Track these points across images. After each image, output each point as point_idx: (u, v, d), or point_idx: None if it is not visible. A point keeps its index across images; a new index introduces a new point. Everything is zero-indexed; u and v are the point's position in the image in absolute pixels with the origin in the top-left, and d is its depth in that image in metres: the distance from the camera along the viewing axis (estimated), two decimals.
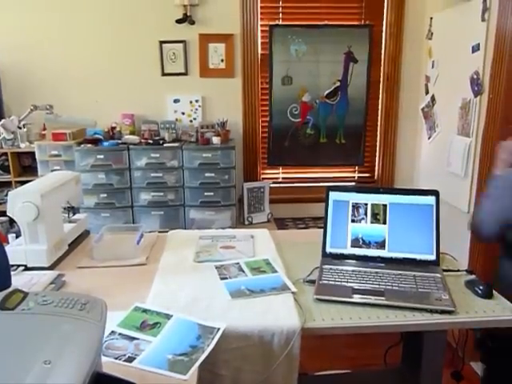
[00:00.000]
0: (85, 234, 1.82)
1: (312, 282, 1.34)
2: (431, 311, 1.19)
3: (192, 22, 3.03)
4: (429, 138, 3.04)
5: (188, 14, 3.02)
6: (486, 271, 2.16)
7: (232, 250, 1.60)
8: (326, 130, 3.25)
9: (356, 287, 1.29)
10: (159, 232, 1.86)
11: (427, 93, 3.06)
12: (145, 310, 1.18)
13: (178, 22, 3.03)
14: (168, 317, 1.15)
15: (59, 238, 1.57)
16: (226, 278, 1.38)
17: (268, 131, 3.25)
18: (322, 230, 1.50)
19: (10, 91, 3.06)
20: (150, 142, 2.92)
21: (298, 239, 1.75)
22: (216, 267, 1.46)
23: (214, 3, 3.05)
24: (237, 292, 1.28)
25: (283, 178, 3.42)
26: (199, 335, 1.08)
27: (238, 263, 1.48)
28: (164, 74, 3.12)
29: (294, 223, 3.17)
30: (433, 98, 2.98)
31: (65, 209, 1.77)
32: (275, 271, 1.42)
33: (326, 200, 1.51)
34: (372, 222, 1.47)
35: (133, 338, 1.07)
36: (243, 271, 1.42)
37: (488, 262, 2.32)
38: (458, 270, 1.45)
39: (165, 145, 2.86)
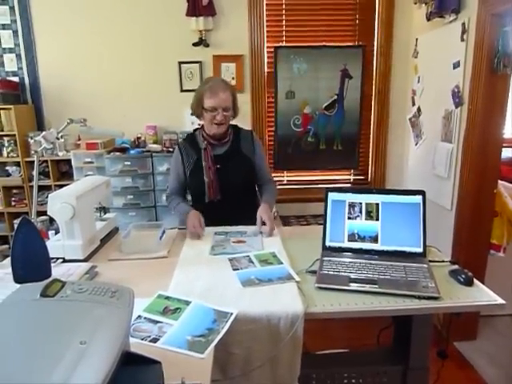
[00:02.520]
0: (114, 231, 1.83)
1: (313, 272, 1.34)
2: (419, 297, 1.18)
3: (207, 45, 3.04)
4: (416, 145, 3.02)
5: (203, 37, 3.03)
6: (467, 262, 2.13)
7: (243, 244, 1.60)
8: (324, 138, 3.24)
9: (352, 276, 1.28)
10: (179, 229, 1.86)
11: (414, 104, 3.04)
12: (167, 297, 1.18)
13: (195, 45, 3.04)
14: (187, 303, 1.15)
15: (92, 234, 1.58)
16: (238, 269, 1.38)
17: (274, 139, 3.25)
18: (322, 226, 1.50)
19: (49, 106, 3.09)
20: (171, 149, 2.93)
21: (300, 234, 1.75)
22: (229, 259, 1.46)
23: (226, 28, 3.06)
24: (247, 281, 1.29)
25: (288, 181, 3.42)
26: (215, 319, 1.08)
27: (248, 256, 1.48)
28: (182, 91, 3.13)
29: (297, 220, 3.17)
30: (419, 109, 2.95)
31: (97, 209, 1.78)
32: (281, 263, 1.42)
33: (325, 199, 1.50)
34: (366, 219, 1.46)
35: (156, 322, 1.07)
36: (253, 263, 1.43)
37: (469, 254, 2.30)
38: (443, 261, 1.44)
39: None
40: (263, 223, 1.72)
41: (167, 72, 3.11)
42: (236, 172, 1.87)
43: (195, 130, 1.98)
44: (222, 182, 1.86)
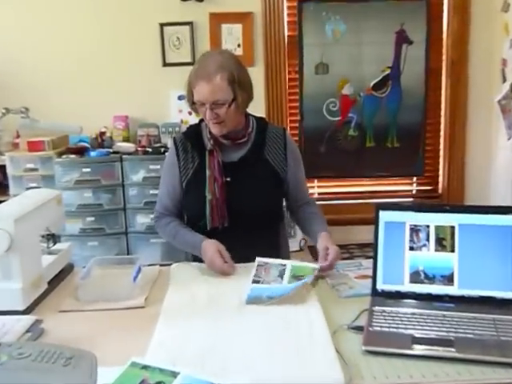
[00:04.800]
0: (68, 269, 1.84)
1: (359, 328, 1.33)
2: None
3: None
4: (509, 139, 3.00)
5: None
6: None
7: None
8: (373, 131, 3.25)
9: (417, 335, 1.27)
10: (161, 265, 1.87)
11: (505, 80, 3.03)
12: (144, 367, 1.18)
13: None
14: (174, 374, 1.15)
15: (37, 273, 1.59)
16: (258, 282, 1.59)
17: (299, 134, 3.26)
18: (370, 260, 1.49)
19: None
20: (149, 150, 2.97)
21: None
22: (259, 265, 1.67)
23: None
24: (255, 299, 1.48)
25: (319, 194, 3.42)
26: None
27: (284, 265, 1.67)
28: (166, 65, 3.18)
29: None
30: None
31: (43, 237, 1.80)
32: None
33: (375, 221, 1.50)
34: (436, 250, 1.45)
35: None
36: (282, 278, 1.61)
37: None
38: None
39: (167, 153, 2.90)
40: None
41: (144, 39, 3.17)
42: (254, 189, 1.89)
43: (202, 120, 1.98)
44: (231, 203, 1.87)
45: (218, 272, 1.71)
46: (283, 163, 1.94)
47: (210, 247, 1.75)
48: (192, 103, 1.85)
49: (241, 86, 1.82)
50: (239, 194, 1.87)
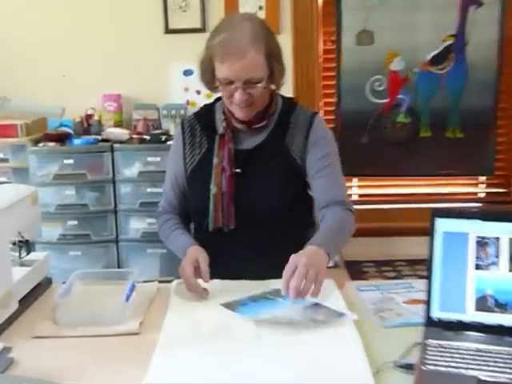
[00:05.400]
0: (44, 285, 1.85)
1: (409, 367, 1.32)
2: None
3: None
4: None
5: None
6: None
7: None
8: (429, 117, 3.23)
9: (483, 378, 1.26)
10: (160, 282, 1.88)
11: None
12: None
13: None
14: None
15: (5, 290, 1.60)
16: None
17: (334, 120, 3.26)
18: (424, 281, 1.48)
19: None
20: (147, 138, 2.99)
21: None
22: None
23: None
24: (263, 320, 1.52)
25: (359, 196, 3.41)
26: None
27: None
28: (168, 31, 3.20)
29: (377, 269, 3.16)
30: None
31: (14, 244, 1.82)
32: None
33: (430, 232, 1.49)
34: (511, 270, 1.43)
35: None
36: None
37: None
38: None
39: (169, 142, 2.91)
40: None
41: None
42: (269, 183, 1.90)
43: (218, 99, 2.03)
44: (240, 199, 1.89)
45: (187, 288, 1.73)
46: (304, 154, 1.95)
47: (189, 256, 1.77)
48: (208, 81, 1.88)
49: (277, 58, 1.86)
50: (251, 189, 1.89)
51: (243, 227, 1.89)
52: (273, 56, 1.83)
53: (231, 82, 1.79)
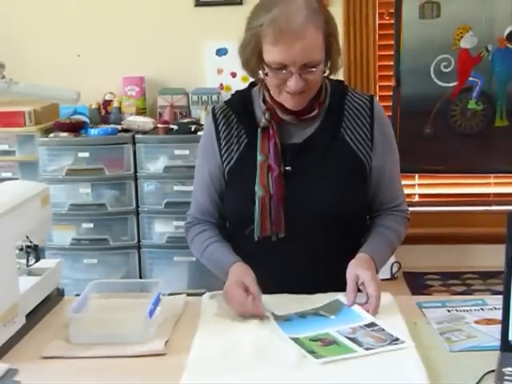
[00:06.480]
0: (55, 297, 1.87)
1: None
2: None
3: None
4: None
5: None
6: None
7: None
8: (506, 104, 3.18)
9: None
10: (189, 295, 1.88)
11: None
12: None
13: None
14: None
15: (11, 303, 1.62)
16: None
17: (392, 107, 3.24)
18: (499, 297, 1.48)
19: None
20: (174, 128, 3.00)
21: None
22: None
23: None
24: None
25: (421, 196, 3.39)
26: None
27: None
28: (199, 4, 3.21)
29: (442, 283, 3.14)
30: None
31: (21, 250, 1.83)
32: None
33: (507, 239, 1.46)
34: None
35: None
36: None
37: None
38: None
39: (200, 133, 2.92)
40: (359, 290, 1.73)
41: None
42: (326, 183, 1.90)
43: (252, 85, 2.03)
44: (291, 202, 1.88)
45: (237, 311, 1.70)
46: (368, 145, 1.93)
47: (233, 280, 1.74)
48: (254, 69, 1.87)
49: (334, 36, 1.84)
50: (303, 190, 1.88)
51: (294, 235, 1.87)
52: (331, 34, 1.82)
53: (284, 67, 1.76)
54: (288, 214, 1.87)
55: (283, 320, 1.64)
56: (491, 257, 2.90)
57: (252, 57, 1.84)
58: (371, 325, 1.59)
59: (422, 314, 1.71)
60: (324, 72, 1.86)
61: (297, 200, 1.87)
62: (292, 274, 1.85)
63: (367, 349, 1.48)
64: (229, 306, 1.73)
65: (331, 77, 2.00)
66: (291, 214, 1.87)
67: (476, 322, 1.64)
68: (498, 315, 1.50)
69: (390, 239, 1.94)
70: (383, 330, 1.56)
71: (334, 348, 1.50)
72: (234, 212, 1.96)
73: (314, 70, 1.77)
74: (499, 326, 1.47)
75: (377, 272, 1.81)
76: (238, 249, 1.90)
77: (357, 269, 1.74)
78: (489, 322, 1.63)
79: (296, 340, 1.53)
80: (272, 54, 1.76)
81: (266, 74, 1.83)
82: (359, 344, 1.50)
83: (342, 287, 1.76)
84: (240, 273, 1.75)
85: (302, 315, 1.70)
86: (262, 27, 1.76)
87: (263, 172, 1.87)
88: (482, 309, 1.72)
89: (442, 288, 3.07)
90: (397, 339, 1.51)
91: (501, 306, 1.48)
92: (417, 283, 3.09)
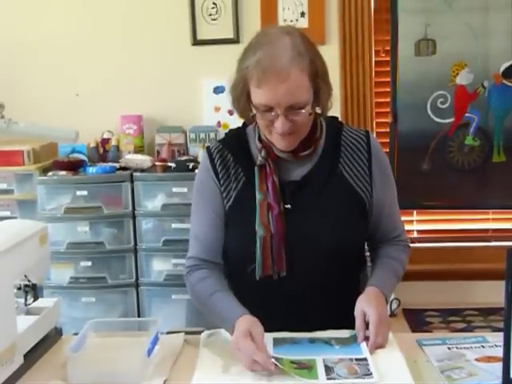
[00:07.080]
0: (53, 336, 1.86)
1: None
2: None
3: None
4: None
5: None
6: None
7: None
8: (504, 139, 3.19)
9: None
10: (187, 333, 1.87)
11: None
12: None
13: None
14: None
15: (9, 342, 1.61)
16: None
17: (389, 143, 3.25)
18: (499, 334, 1.46)
19: None
20: (172, 166, 3.00)
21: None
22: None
23: None
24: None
25: (419, 232, 3.38)
26: None
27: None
28: (197, 43, 3.23)
29: (442, 319, 3.13)
30: None
31: (19, 289, 1.83)
32: None
33: (507, 275, 1.46)
34: None
35: None
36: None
37: None
38: None
39: (198, 171, 2.92)
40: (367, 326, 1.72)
41: (166, 6, 3.22)
42: (326, 220, 1.89)
43: (246, 123, 2.03)
44: (293, 241, 1.88)
45: (246, 364, 1.61)
46: (367, 181, 1.93)
47: (242, 326, 1.68)
48: (243, 110, 1.88)
49: (323, 76, 1.84)
50: (304, 228, 1.87)
51: (294, 273, 1.86)
52: (318, 75, 1.81)
53: (271, 109, 1.77)
54: (289, 252, 1.86)
55: (292, 342, 1.71)
56: (491, 293, 2.88)
57: (241, 98, 1.85)
58: (361, 359, 1.60)
59: (422, 352, 1.70)
60: (312, 113, 1.84)
61: (297, 238, 1.87)
62: (294, 312, 1.84)
63: (331, 379, 1.50)
64: (238, 357, 1.65)
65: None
66: (292, 252, 1.86)
67: (477, 360, 1.63)
68: (500, 352, 1.49)
69: (396, 268, 1.95)
70: (367, 365, 1.57)
71: (303, 372, 1.53)
72: (235, 251, 1.95)
73: (301, 111, 1.77)
74: (500, 363, 1.47)
75: (386, 302, 1.82)
76: (239, 286, 1.90)
77: (365, 306, 1.74)
78: (490, 359, 1.62)
79: (278, 360, 1.54)
80: (258, 95, 1.77)
81: (254, 116, 1.84)
82: (330, 373, 1.52)
83: (345, 321, 1.76)
84: (247, 325, 1.69)
85: (312, 340, 1.73)
86: (248, 69, 1.77)
87: (263, 211, 1.86)
88: (483, 346, 1.71)
89: (441, 325, 3.06)
90: (370, 374, 1.52)
91: (501, 343, 1.48)
92: (416, 320, 3.07)
